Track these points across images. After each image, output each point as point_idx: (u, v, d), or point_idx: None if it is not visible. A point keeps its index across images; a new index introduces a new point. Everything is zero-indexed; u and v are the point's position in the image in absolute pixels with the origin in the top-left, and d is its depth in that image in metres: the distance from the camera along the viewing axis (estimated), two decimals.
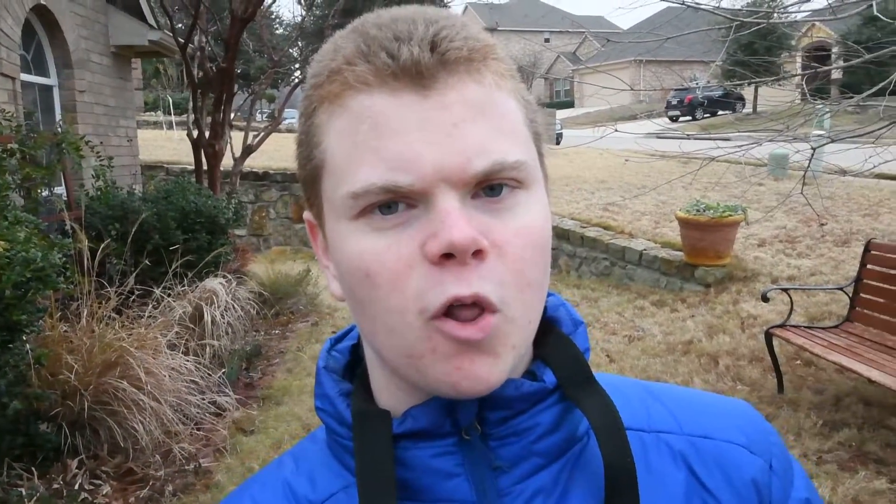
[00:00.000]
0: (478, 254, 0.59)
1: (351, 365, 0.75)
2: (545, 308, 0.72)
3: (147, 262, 5.66)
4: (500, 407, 0.66)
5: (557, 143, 23.98)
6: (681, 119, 34.11)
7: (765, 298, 5.21)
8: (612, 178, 12.39)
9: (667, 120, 33.64)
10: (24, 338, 4.14)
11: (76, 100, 7.77)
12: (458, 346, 0.60)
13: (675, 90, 33.11)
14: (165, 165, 13.65)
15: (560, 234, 9.24)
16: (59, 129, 6.49)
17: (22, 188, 5.49)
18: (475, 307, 0.60)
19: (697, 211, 7.41)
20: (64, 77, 7.74)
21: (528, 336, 0.65)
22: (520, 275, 0.61)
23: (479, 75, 0.61)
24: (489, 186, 0.61)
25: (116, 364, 4.52)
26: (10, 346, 4.00)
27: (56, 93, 7.74)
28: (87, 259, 4.92)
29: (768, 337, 4.99)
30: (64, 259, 4.21)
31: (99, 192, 6.52)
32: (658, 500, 0.70)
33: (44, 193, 5.93)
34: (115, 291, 5.02)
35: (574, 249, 9.10)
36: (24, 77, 6.98)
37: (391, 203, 0.60)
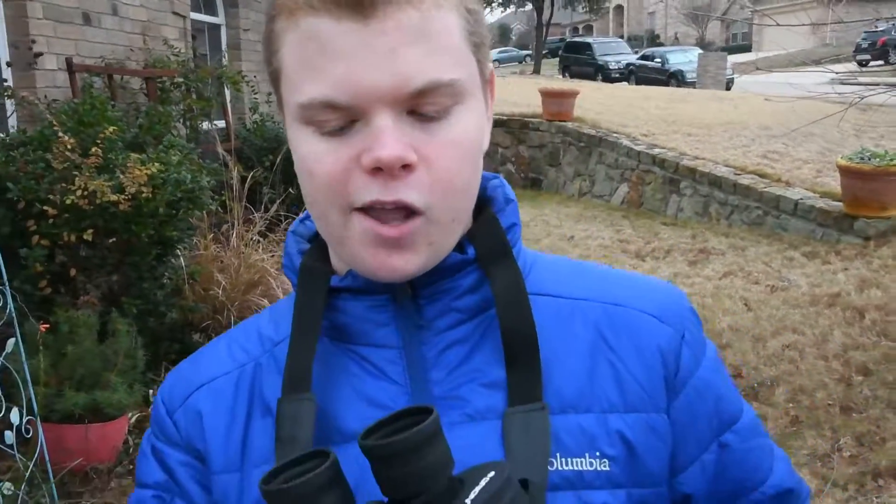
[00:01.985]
0: (406, 167, 0.68)
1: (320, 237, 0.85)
2: (485, 188, 0.81)
3: (292, 191, 6.00)
4: (428, 275, 0.75)
5: (728, 88, 22.81)
6: (871, 64, 31.39)
7: None
8: (776, 124, 11.72)
9: (854, 65, 31.07)
10: (178, 253, 4.55)
11: (240, 38, 8.24)
12: (377, 239, 0.70)
13: (866, 32, 30.43)
14: None
15: (712, 181, 8.89)
16: (221, 65, 6.92)
17: (185, 118, 5.95)
18: (399, 211, 0.69)
19: (861, 159, 6.91)
20: (230, 16, 8.23)
21: (450, 233, 0.74)
22: (447, 183, 0.70)
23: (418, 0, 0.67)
24: (424, 103, 0.68)
25: (258, 283, 4.89)
26: (164, 259, 4.41)
27: (223, 31, 8.24)
28: (238, 185, 5.29)
29: None
30: (213, 183, 4.57)
31: (255, 125, 6.93)
32: (564, 356, 0.77)
33: (204, 125, 6.39)
34: (261, 217, 5.38)
35: (726, 197, 8.74)
36: (194, 16, 7.48)
37: (334, 115, 0.68)
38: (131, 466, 3.72)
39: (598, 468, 0.73)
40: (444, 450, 0.57)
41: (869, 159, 6.88)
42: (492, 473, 0.58)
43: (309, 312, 0.77)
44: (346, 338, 0.79)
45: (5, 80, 4.95)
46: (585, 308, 0.80)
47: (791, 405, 4.24)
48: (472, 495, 0.56)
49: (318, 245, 0.83)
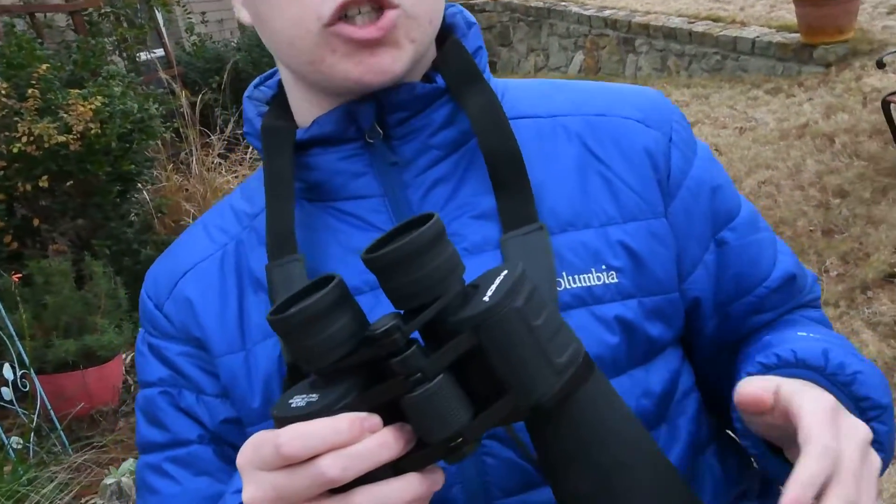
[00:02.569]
0: None
1: (279, 97, 0.80)
2: (443, 17, 0.76)
3: None
4: (398, 109, 0.71)
5: None
6: None
7: (880, 64, 4.82)
8: None
9: None
10: (140, 188, 4.44)
11: None
12: (358, 45, 0.66)
13: None
14: None
15: (667, 34, 8.75)
16: None
17: (120, 50, 5.71)
18: (373, 11, 0.65)
19: None
20: None
21: (428, 34, 0.70)
22: None
23: None
24: None
25: None
26: (127, 195, 4.30)
27: None
28: (188, 111, 5.13)
29: (885, 105, 4.64)
30: (162, 110, 4.41)
31: (195, 47, 6.68)
32: (553, 176, 0.73)
33: (143, 56, 6.14)
34: (219, 139, 5.24)
35: (682, 48, 8.62)
36: None
37: None
38: None
39: (607, 281, 0.70)
40: (452, 253, 0.53)
41: None
42: (505, 272, 0.54)
43: (279, 172, 0.72)
44: (323, 195, 0.75)
45: None
46: (567, 123, 0.76)
47: None
48: (488, 293, 0.52)
49: (277, 104, 0.79)
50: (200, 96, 5.38)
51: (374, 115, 0.71)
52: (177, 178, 4.97)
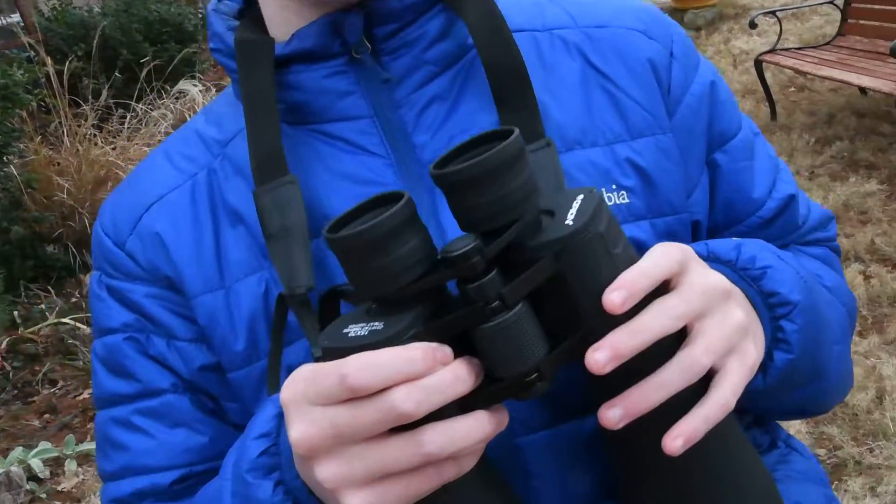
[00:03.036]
0: None
1: (249, 12, 0.74)
2: None
3: (118, 74, 5.51)
4: (388, 20, 0.66)
5: None
6: None
7: (752, 25, 5.03)
8: None
9: None
10: (7, 161, 4.12)
11: None
12: None
13: None
14: None
15: None
16: None
17: None
18: None
19: None
20: None
21: None
22: None
23: None
24: None
25: (107, 179, 4.52)
26: None
27: None
28: (55, 80, 4.78)
29: (758, 65, 4.86)
30: (26, 75, 4.09)
31: (55, 12, 6.24)
32: (555, 91, 0.69)
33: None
34: (92, 108, 4.92)
35: None
36: None
37: None
38: (15, 391, 3.49)
39: (618, 201, 0.67)
40: (532, 173, 0.49)
41: None
42: (581, 195, 0.50)
43: (259, 88, 0.65)
44: (306, 118, 0.68)
45: None
46: (565, 36, 0.72)
47: None
48: (569, 217, 0.48)
49: (250, 18, 0.72)
50: (67, 64, 5.02)
51: (361, 27, 0.65)
52: (46, 152, 4.63)
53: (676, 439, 0.48)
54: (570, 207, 0.49)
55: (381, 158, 0.67)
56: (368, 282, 0.47)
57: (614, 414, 0.49)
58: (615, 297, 0.46)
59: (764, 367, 0.60)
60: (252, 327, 0.67)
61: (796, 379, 0.62)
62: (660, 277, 0.49)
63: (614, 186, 0.67)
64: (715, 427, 0.50)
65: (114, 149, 4.67)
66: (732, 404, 0.50)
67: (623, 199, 0.67)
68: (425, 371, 0.45)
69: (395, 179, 0.66)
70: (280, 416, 0.57)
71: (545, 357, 0.47)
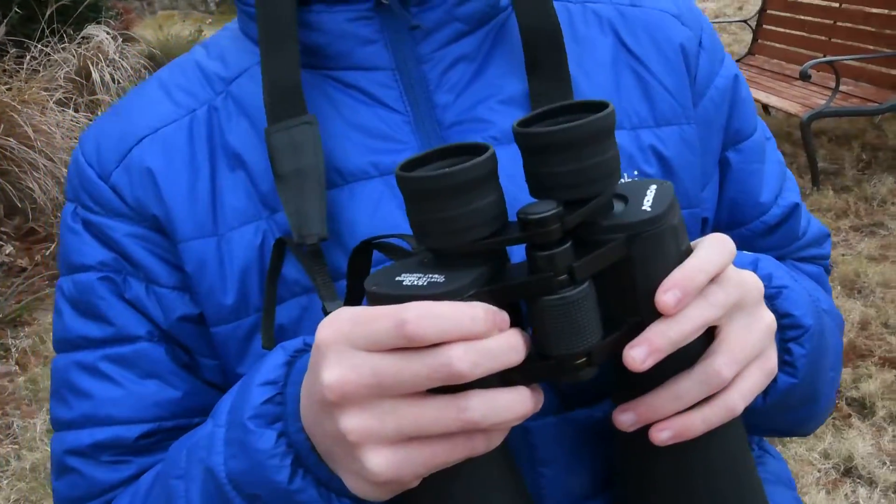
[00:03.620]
0: None
1: None
2: None
3: (17, 11, 5.17)
4: None
5: None
6: None
7: None
8: None
9: None
10: None
11: None
12: None
13: None
14: None
15: None
16: None
17: None
18: None
19: None
20: None
21: None
22: None
23: None
24: None
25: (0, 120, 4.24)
26: None
27: None
28: None
29: None
30: None
31: None
32: (586, 66, 0.68)
33: None
34: None
35: None
36: None
37: None
38: None
39: None
40: (617, 152, 0.47)
41: None
42: (654, 186, 0.49)
43: (279, 18, 0.61)
44: (322, 62, 0.65)
45: None
46: (598, 10, 0.70)
47: None
48: (646, 204, 0.47)
49: None
50: None
51: None
52: None
53: (663, 431, 0.49)
54: (645, 195, 0.48)
55: (399, 114, 0.64)
56: (437, 231, 0.45)
57: (627, 418, 0.50)
58: (669, 298, 0.46)
59: (765, 389, 0.58)
60: (244, 280, 0.63)
61: (792, 402, 0.62)
62: (715, 274, 0.48)
63: (636, 172, 0.66)
64: (720, 428, 0.50)
65: (9, 89, 4.37)
66: (740, 410, 0.50)
67: None
68: (486, 332, 0.43)
69: (412, 138, 0.64)
70: (289, 365, 0.53)
71: (599, 342, 0.46)
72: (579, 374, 0.46)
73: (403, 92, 0.64)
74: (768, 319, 0.52)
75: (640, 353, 0.45)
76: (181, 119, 0.66)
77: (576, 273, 0.44)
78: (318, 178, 0.59)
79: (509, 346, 0.43)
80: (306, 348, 0.55)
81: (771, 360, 0.52)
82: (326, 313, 0.57)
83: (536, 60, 0.64)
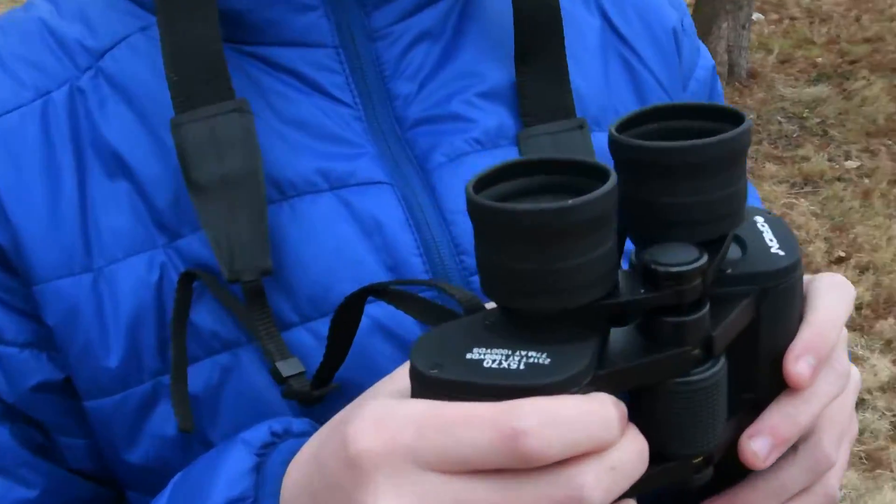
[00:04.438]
0: None
1: None
2: None
3: None
4: None
5: None
6: None
7: None
8: None
9: None
10: None
11: None
12: None
13: None
14: None
15: None
16: None
17: None
18: None
19: None
20: None
21: None
22: None
23: None
24: None
25: None
26: None
27: None
28: None
29: None
30: None
31: None
32: (575, 53, 0.54)
33: None
34: None
35: None
36: None
37: None
38: None
39: None
40: (746, 181, 0.35)
41: None
42: (761, 217, 0.38)
43: None
44: (244, 34, 0.48)
45: None
46: None
47: None
48: (773, 245, 0.36)
49: None
50: None
51: None
52: None
53: None
54: (761, 233, 0.36)
55: (346, 107, 0.49)
56: (540, 287, 0.30)
57: None
58: (803, 368, 0.35)
59: None
60: (133, 333, 0.46)
61: None
62: (842, 328, 0.38)
63: None
64: None
65: None
66: (838, 496, 0.41)
67: None
68: (617, 440, 0.30)
69: (366, 139, 0.48)
70: (257, 471, 0.37)
71: (722, 431, 0.34)
72: (694, 477, 0.34)
73: (350, 77, 0.49)
74: (857, 377, 0.42)
75: (763, 448, 0.35)
76: (28, 104, 0.48)
77: (715, 345, 0.32)
78: (256, 189, 0.43)
79: (640, 456, 0.31)
80: (275, 440, 0.39)
81: (855, 426, 0.43)
82: (276, 374, 0.42)
83: (530, 46, 0.51)
